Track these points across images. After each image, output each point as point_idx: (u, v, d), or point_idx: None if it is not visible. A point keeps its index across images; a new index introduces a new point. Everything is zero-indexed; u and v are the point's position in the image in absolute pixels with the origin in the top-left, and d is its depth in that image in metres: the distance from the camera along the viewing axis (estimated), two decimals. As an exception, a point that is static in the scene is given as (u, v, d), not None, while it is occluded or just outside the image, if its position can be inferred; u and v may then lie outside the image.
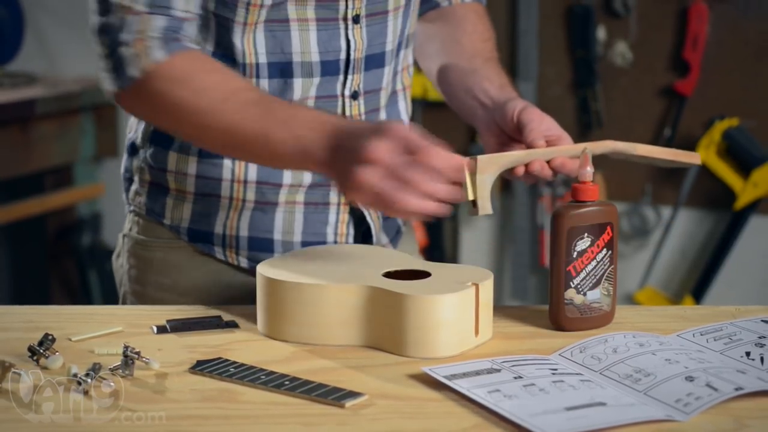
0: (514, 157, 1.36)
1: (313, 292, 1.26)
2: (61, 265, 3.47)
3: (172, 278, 1.54)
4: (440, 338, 1.22)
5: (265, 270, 1.30)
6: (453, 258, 3.30)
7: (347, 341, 1.26)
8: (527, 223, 3.18)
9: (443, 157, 1.22)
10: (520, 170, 1.37)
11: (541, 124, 1.40)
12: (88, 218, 3.44)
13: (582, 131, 3.04)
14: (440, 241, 3.20)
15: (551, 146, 1.39)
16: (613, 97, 3.04)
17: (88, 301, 3.39)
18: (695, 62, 2.93)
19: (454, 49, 1.58)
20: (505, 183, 3.23)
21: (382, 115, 1.55)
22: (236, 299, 1.51)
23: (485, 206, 1.32)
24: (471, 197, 1.33)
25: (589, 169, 1.29)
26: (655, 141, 3.00)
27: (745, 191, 2.93)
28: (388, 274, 1.29)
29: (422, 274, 1.29)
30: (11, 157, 3.09)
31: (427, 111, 3.09)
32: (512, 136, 1.44)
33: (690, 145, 2.94)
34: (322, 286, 1.26)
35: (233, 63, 1.45)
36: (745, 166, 2.93)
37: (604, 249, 1.30)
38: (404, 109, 1.59)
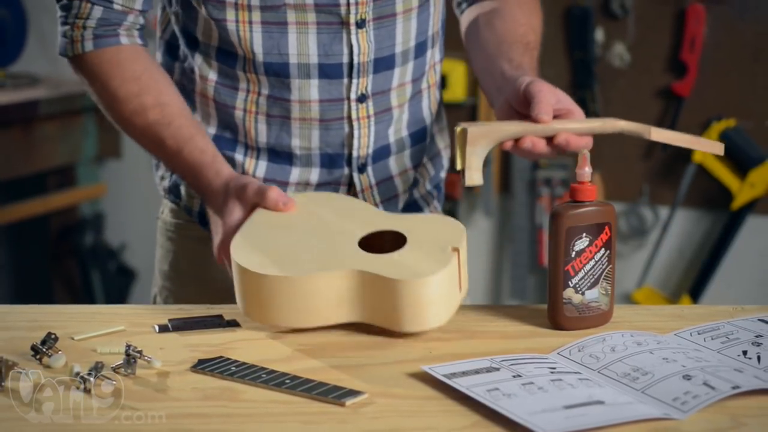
0: (510, 131, 1.34)
1: (301, 284, 1.26)
2: (63, 264, 3.48)
3: (187, 262, 1.59)
4: (432, 312, 1.25)
5: (241, 257, 1.29)
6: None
7: (338, 321, 1.28)
8: (526, 222, 3.19)
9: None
10: (508, 144, 1.35)
11: (549, 96, 1.35)
12: (90, 218, 3.45)
13: (580, 132, 3.05)
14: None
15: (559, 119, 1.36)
16: (611, 98, 3.04)
17: (90, 300, 3.40)
18: (692, 63, 2.94)
19: (487, 36, 1.56)
20: (505, 184, 3.24)
21: (403, 115, 1.55)
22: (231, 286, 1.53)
23: (472, 177, 1.34)
24: (459, 167, 1.35)
25: (587, 169, 1.30)
26: (653, 141, 3.01)
27: (742, 191, 2.94)
28: (365, 242, 1.30)
29: (397, 237, 1.31)
30: (14, 157, 3.11)
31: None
32: (521, 112, 1.39)
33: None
34: (308, 277, 1.26)
35: (234, 58, 1.47)
36: (742, 167, 2.94)
37: (603, 249, 1.30)
38: (427, 106, 1.59)
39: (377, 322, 1.27)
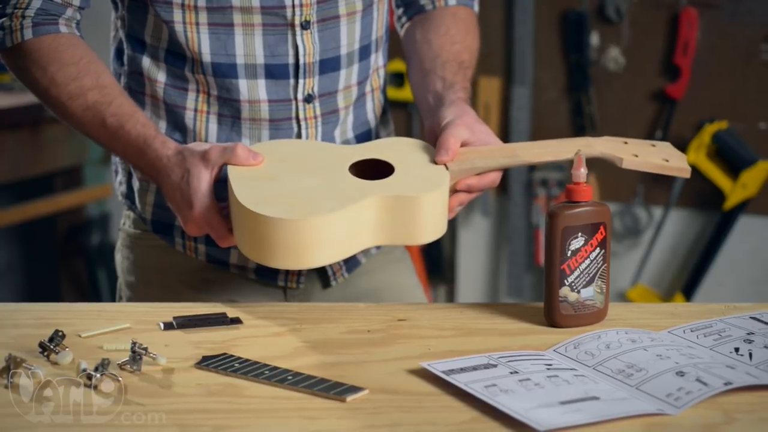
0: (489, 166, 1.40)
1: (337, 219, 1.30)
2: (70, 263, 3.48)
3: (153, 272, 1.58)
4: (445, 218, 1.37)
5: (268, 210, 1.30)
6: (451, 257, 3.32)
7: (360, 249, 1.34)
8: (523, 222, 3.20)
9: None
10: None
11: (454, 139, 1.40)
12: (96, 218, 3.46)
13: (576, 134, 3.07)
14: (438, 240, 3.21)
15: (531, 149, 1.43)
16: (607, 101, 3.06)
17: (96, 298, 3.41)
18: (686, 67, 2.96)
19: (423, 50, 1.59)
20: (502, 184, 3.25)
21: (348, 117, 1.57)
22: (197, 294, 1.53)
23: None
24: None
25: (583, 170, 1.31)
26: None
27: (734, 192, 2.95)
28: (357, 173, 1.37)
29: (374, 162, 1.39)
30: (22, 159, 3.11)
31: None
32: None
33: (680, 148, 2.95)
34: (342, 211, 1.30)
35: (183, 59, 1.48)
36: (734, 168, 2.95)
37: (598, 248, 1.32)
38: (371, 109, 1.61)
39: (397, 241, 1.35)
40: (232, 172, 1.36)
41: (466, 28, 1.62)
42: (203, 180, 1.37)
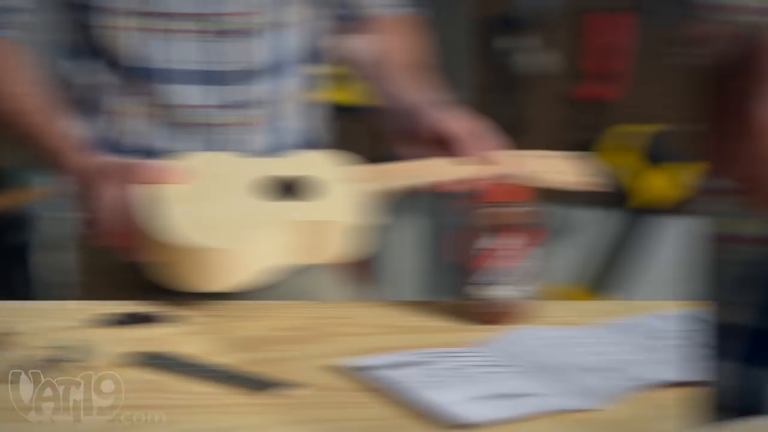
0: (402, 186, 1.44)
1: (249, 248, 1.32)
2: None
3: (101, 270, 1.57)
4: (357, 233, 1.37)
5: (166, 232, 1.31)
6: (379, 257, 3.33)
7: (272, 270, 1.36)
8: (449, 221, 3.23)
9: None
10: None
11: (468, 137, 1.45)
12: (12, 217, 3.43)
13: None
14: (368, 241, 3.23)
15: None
16: (533, 105, 3.10)
17: (10, 297, 3.37)
18: (616, 70, 3.01)
19: (370, 59, 1.62)
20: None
21: (281, 126, 1.59)
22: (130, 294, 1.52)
23: None
24: None
25: (513, 169, 1.33)
26: (575, 147, 3.07)
27: (665, 193, 3.01)
28: (273, 189, 1.38)
29: (298, 180, 1.40)
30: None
31: (344, 118, 3.12)
32: (431, 145, 1.48)
33: (613, 150, 3.02)
34: (255, 240, 1.32)
35: (116, 64, 1.50)
36: (664, 170, 3.01)
37: (529, 247, 1.33)
38: (304, 119, 1.63)
39: (310, 261, 1.38)
40: (144, 191, 1.37)
41: (407, 34, 1.66)
42: (113, 197, 1.38)
